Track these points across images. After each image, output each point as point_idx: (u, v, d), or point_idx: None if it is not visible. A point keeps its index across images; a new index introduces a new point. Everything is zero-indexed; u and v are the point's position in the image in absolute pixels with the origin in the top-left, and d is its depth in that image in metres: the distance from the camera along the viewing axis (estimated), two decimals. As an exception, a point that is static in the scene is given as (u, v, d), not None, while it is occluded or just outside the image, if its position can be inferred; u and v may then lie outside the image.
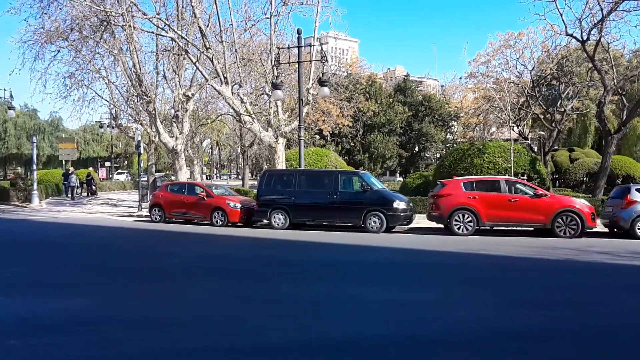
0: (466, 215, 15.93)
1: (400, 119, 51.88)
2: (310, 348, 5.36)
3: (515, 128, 36.15)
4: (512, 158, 23.99)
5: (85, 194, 37.96)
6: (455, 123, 57.16)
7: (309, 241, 15.04)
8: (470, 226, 15.87)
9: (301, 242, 14.97)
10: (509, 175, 21.87)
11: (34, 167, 30.34)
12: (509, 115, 33.82)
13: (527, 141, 37.54)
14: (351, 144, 49.33)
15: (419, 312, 6.87)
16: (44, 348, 5.28)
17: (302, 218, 18.01)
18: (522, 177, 22.71)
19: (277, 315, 6.60)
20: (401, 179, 53.72)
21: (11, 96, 33.16)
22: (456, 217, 16.01)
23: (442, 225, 16.96)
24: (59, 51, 25.02)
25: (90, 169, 55.63)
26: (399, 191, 23.11)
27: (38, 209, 26.76)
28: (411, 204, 18.02)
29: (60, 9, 23.49)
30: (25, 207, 27.58)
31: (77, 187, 36.04)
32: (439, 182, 18.12)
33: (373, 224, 16.66)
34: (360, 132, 49.68)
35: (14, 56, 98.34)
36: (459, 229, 15.93)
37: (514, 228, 16.82)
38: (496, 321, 6.39)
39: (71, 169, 38.53)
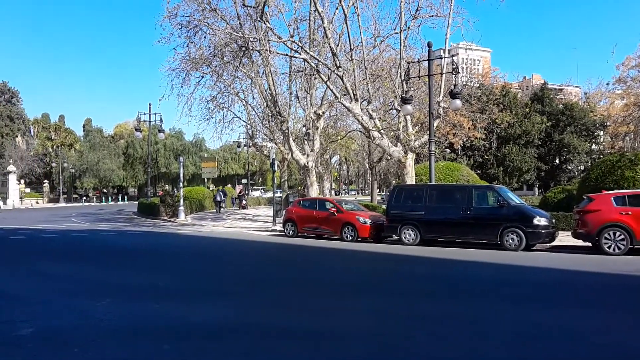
0: (618, 233, 14.41)
1: (538, 130, 48.92)
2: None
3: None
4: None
5: (237, 207, 43.76)
6: (601, 133, 52.57)
7: (444, 258, 14.56)
8: (623, 245, 14.32)
9: (435, 258, 14.55)
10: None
11: (181, 184, 32.96)
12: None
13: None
14: (484, 157, 47.42)
15: (588, 338, 6.29)
16: (194, 352, 5.61)
17: (434, 234, 17.52)
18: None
19: (436, 334, 6.40)
20: (539, 193, 50.43)
21: (161, 120, 36.69)
22: (606, 235, 14.55)
23: (589, 244, 15.52)
24: (202, 77, 27.19)
25: (229, 185, 59.37)
26: (538, 206, 21.60)
27: (184, 223, 28.98)
28: (553, 220, 16.74)
29: (204, 37, 25.51)
30: (173, 221, 30.04)
31: (223, 202, 40.27)
32: (585, 197, 16.62)
33: (511, 241, 15.71)
34: (494, 145, 47.61)
35: (163, 83, 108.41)
36: (609, 247, 14.45)
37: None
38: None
39: (211, 186, 41.76)
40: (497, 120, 43.27)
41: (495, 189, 17.54)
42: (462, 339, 6.24)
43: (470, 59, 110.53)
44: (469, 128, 35.11)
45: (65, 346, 5.85)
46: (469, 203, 16.67)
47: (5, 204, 56.14)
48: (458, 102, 19.51)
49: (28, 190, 67.71)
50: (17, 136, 72.21)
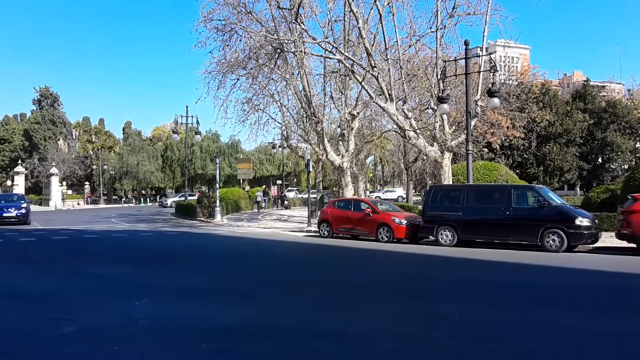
0: (665, 234, 13.86)
1: (580, 128, 47.52)
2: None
3: None
4: None
5: (279, 207, 45.58)
6: (646, 130, 50.72)
7: (483, 259, 14.26)
8: (671, 246, 13.77)
9: (474, 260, 14.26)
10: None
11: (217, 185, 33.34)
12: None
13: None
14: (523, 156, 46.35)
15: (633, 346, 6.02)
16: (231, 353, 5.64)
17: (471, 235, 17.21)
18: None
19: (478, 338, 6.25)
20: (581, 193, 49.04)
21: (198, 122, 37.25)
22: (653, 236, 14.01)
23: (634, 245, 14.96)
24: (238, 79, 27.47)
25: (264, 186, 59.81)
26: (580, 206, 21.03)
27: (220, 224, 29.30)
28: (596, 221, 16.21)
29: (239, 40, 25.77)
30: (209, 222, 30.40)
31: (263, 203, 42.23)
32: (630, 197, 16.03)
33: (552, 242, 15.28)
34: (534, 144, 46.46)
35: (200, 86, 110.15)
36: (656, 249, 13.91)
37: None
38: None
39: (247, 187, 42.36)
40: (536, 119, 42.29)
41: (535, 189, 17.14)
42: (506, 344, 6.06)
43: (509, 57, 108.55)
44: (507, 127, 34.39)
45: (106, 344, 5.95)
46: (508, 203, 16.31)
47: (48, 205, 58.04)
48: (496, 100, 19.13)
49: (70, 192, 69.74)
50: (59, 139, 74.56)
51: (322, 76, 28.77)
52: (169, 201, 53.76)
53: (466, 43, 19.79)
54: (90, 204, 53.75)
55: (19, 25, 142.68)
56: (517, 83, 45.74)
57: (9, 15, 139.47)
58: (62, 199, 61.68)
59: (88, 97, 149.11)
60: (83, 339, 6.19)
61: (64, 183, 67.67)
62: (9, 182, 66.36)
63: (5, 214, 28.39)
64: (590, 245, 15.92)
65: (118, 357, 5.58)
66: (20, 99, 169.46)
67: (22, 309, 7.90)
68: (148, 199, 74.77)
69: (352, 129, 27.31)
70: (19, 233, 22.54)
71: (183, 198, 53.83)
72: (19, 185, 60.92)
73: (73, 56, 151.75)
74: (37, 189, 69.36)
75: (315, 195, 32.87)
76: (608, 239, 16.51)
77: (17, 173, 62.39)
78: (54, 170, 61.54)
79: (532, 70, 54.44)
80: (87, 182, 72.99)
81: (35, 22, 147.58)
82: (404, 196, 48.66)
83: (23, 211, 29.09)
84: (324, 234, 20.82)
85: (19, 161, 68.68)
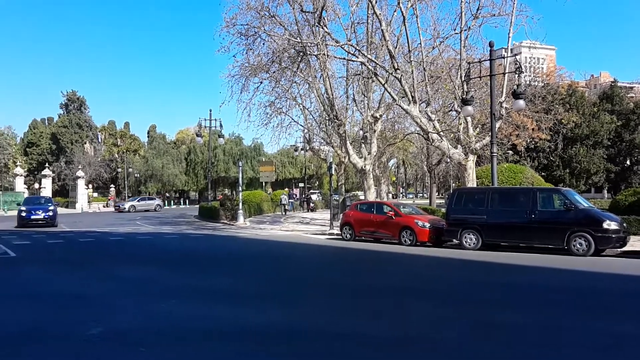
0: (698, 239, 13.49)
1: (607, 130, 46.72)
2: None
3: None
4: None
5: (305, 210, 46.18)
6: (676, 132, 49.49)
7: (509, 263, 14.06)
8: None
9: (498, 264, 14.07)
10: None
11: (240, 188, 33.51)
12: None
13: None
14: (549, 158, 45.71)
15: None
16: (257, 354, 5.69)
17: (496, 239, 16.96)
18: None
19: (506, 343, 6.18)
20: (609, 196, 48.07)
21: (221, 125, 37.55)
22: (685, 241, 13.65)
23: (665, 249, 14.60)
24: (261, 82, 27.62)
25: (286, 189, 60.01)
26: (608, 210, 20.61)
27: (243, 226, 29.44)
28: (624, 224, 15.84)
29: (262, 44, 25.91)
30: (232, 224, 30.58)
31: (288, 205, 42.93)
32: (661, 200, 15.69)
33: (579, 246, 14.98)
34: (560, 146, 45.79)
35: (223, 90, 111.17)
36: (689, 254, 13.55)
37: None
38: None
39: (269, 190, 42.49)
40: (563, 121, 41.63)
41: (561, 192, 16.85)
42: (539, 349, 5.95)
43: (534, 58, 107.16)
44: (532, 129, 33.90)
45: (132, 346, 6.01)
46: (534, 206, 16.04)
47: (74, 207, 59.10)
48: (521, 102, 18.85)
49: (95, 194, 70.90)
50: (85, 143, 75.89)
51: (345, 79, 28.83)
52: (127, 205, 52.71)
53: (491, 44, 19.58)
54: (113, 207, 54.71)
55: (49, 31, 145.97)
56: (542, 84, 45.13)
57: (40, 22, 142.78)
58: (88, 202, 62.75)
59: (114, 101, 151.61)
60: (109, 341, 6.28)
61: (90, 186, 68.83)
62: (36, 185, 67.79)
63: (33, 216, 28.99)
64: (619, 249, 15.55)
65: (144, 359, 5.64)
66: (48, 103, 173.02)
67: (51, 310, 8.05)
68: (172, 201, 75.58)
69: (375, 131, 27.23)
70: (47, 235, 22.98)
71: (143, 202, 54.38)
72: (46, 188, 62.18)
73: (100, 61, 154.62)
74: (64, 192, 70.70)
75: (337, 198, 32.85)
76: (637, 243, 16.15)
77: (45, 176, 63.69)
78: (80, 173, 62.69)
79: (559, 72, 53.64)
80: (112, 185, 74.10)
81: (64, 28, 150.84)
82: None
83: (50, 213, 29.66)
84: (346, 237, 20.77)
85: (46, 164, 70.15)
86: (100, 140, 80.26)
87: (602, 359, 5.65)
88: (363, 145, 27.71)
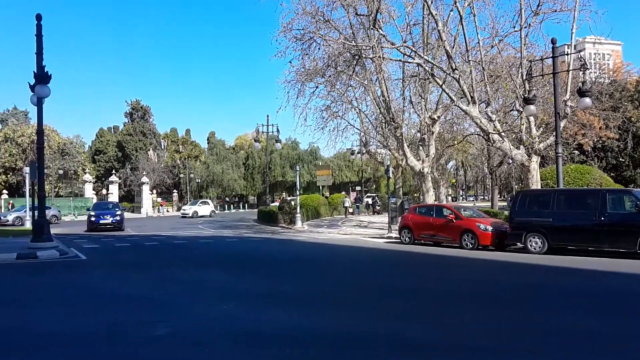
0: None
1: (681, 127, 44.01)
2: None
3: None
4: None
5: (371, 213, 47.87)
6: None
7: (576, 267, 13.49)
8: None
9: (567, 268, 13.50)
10: None
11: (297, 192, 33.83)
12: None
13: None
14: (618, 158, 43.59)
15: None
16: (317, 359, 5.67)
17: (562, 242, 16.32)
18: None
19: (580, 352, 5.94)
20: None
21: (278, 131, 38.06)
22: None
23: None
24: (317, 87, 27.83)
25: (343, 192, 60.04)
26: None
27: (301, 230, 29.67)
28: None
29: (318, 48, 26.09)
30: (290, 228, 30.89)
31: (350, 208, 44.76)
32: None
33: (654, 250, 14.19)
34: (630, 145, 43.57)
35: (280, 95, 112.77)
36: None
37: None
38: None
39: (327, 193, 42.66)
40: (632, 118, 39.65)
41: (632, 193, 16.02)
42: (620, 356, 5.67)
43: (599, 54, 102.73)
44: (600, 128, 32.50)
45: (196, 346, 6.18)
46: (603, 208, 15.32)
47: (139, 212, 61.41)
48: (587, 100, 18.09)
49: (159, 199, 73.37)
50: (149, 150, 78.68)
51: (401, 81, 28.62)
52: (190, 211, 52.28)
53: (553, 41, 18.91)
54: (178, 210, 56.04)
55: (114, 43, 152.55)
56: (609, 81, 43.17)
57: (108, 37, 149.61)
58: (153, 207, 65.02)
59: (175, 109, 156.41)
60: (176, 341, 6.51)
61: (154, 191, 71.26)
62: (104, 191, 70.80)
63: (101, 221, 30.32)
64: (700, 254, 14.63)
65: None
66: (113, 112, 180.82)
67: (122, 311, 8.37)
68: (232, 205, 77.17)
69: (433, 133, 26.84)
70: (114, 239, 23.96)
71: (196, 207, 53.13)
72: (113, 194, 64.89)
73: (162, 71, 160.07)
74: (130, 197, 73.53)
75: (395, 201, 32.56)
76: None
77: (112, 182, 66.49)
78: (144, 179, 65.12)
79: (626, 67, 51.07)
80: (175, 190, 76.44)
81: (131, 41, 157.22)
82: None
83: (118, 218, 30.93)
84: (405, 240, 20.53)
85: (113, 171, 73.28)
86: (163, 147, 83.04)
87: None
88: (421, 148, 27.37)
